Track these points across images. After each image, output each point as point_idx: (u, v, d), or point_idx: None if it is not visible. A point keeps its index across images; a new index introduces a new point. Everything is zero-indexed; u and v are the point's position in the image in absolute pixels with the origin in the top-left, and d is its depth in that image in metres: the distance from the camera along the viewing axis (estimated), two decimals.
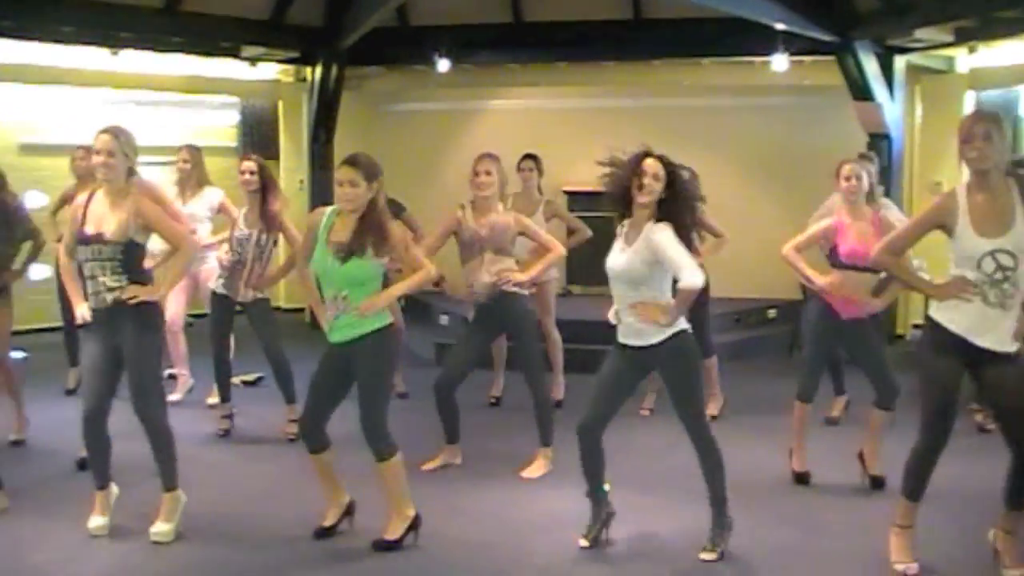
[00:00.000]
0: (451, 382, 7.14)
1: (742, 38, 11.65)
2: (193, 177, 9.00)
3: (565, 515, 6.09)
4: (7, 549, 5.75)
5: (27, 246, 7.90)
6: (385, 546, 5.73)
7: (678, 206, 5.42)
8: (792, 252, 6.79)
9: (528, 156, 9.00)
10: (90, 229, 5.71)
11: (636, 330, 5.44)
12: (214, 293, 8.14)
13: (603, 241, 5.79)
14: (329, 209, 5.76)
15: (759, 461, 7.35)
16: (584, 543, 5.74)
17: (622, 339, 5.56)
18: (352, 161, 5.59)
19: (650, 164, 5.35)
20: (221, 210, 9.07)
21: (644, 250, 5.34)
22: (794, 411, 6.93)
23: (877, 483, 6.77)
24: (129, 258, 5.71)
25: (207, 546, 5.85)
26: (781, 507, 6.51)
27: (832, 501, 6.62)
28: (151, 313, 5.82)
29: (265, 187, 7.92)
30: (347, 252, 5.53)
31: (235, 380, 9.07)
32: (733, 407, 8.74)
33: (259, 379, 9.77)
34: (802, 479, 6.92)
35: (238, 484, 6.98)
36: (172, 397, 8.77)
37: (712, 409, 8.50)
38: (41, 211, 10.84)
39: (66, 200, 9.21)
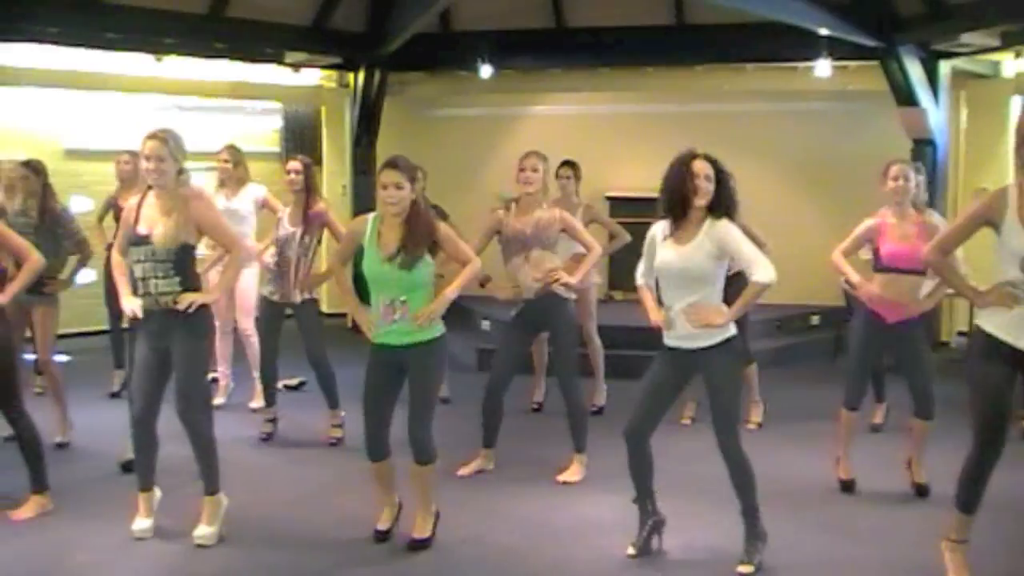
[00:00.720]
0: (502, 384, 7.15)
1: (785, 43, 11.61)
2: (235, 176, 9.04)
3: (603, 522, 6.07)
4: (50, 550, 5.80)
5: (74, 257, 7.98)
6: (420, 545, 5.78)
7: (727, 204, 5.42)
8: (839, 256, 6.76)
9: (566, 163, 8.98)
10: (143, 230, 5.76)
11: (688, 332, 5.40)
12: (264, 298, 8.19)
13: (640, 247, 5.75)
14: (371, 216, 5.77)
15: (800, 468, 7.32)
16: (631, 551, 5.70)
17: (670, 341, 5.52)
18: (394, 164, 5.58)
19: (700, 166, 5.33)
20: (264, 205, 9.11)
21: (708, 245, 5.32)
22: (840, 419, 6.86)
23: (922, 491, 6.72)
24: (181, 260, 5.75)
25: (249, 549, 5.87)
26: (823, 515, 6.46)
27: (876, 509, 6.56)
28: (201, 318, 5.85)
29: (309, 188, 7.97)
30: (406, 257, 5.54)
31: (278, 384, 9.11)
32: (774, 414, 8.68)
33: (302, 383, 9.79)
34: (848, 487, 6.86)
35: (280, 488, 7.01)
36: (214, 401, 8.81)
37: (755, 416, 8.48)
38: (87, 215, 10.94)
39: (111, 205, 9.29)
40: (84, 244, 7.98)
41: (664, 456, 5.81)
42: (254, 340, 8.97)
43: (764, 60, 12.57)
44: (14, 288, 6.07)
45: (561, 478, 7.09)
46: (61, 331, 7.79)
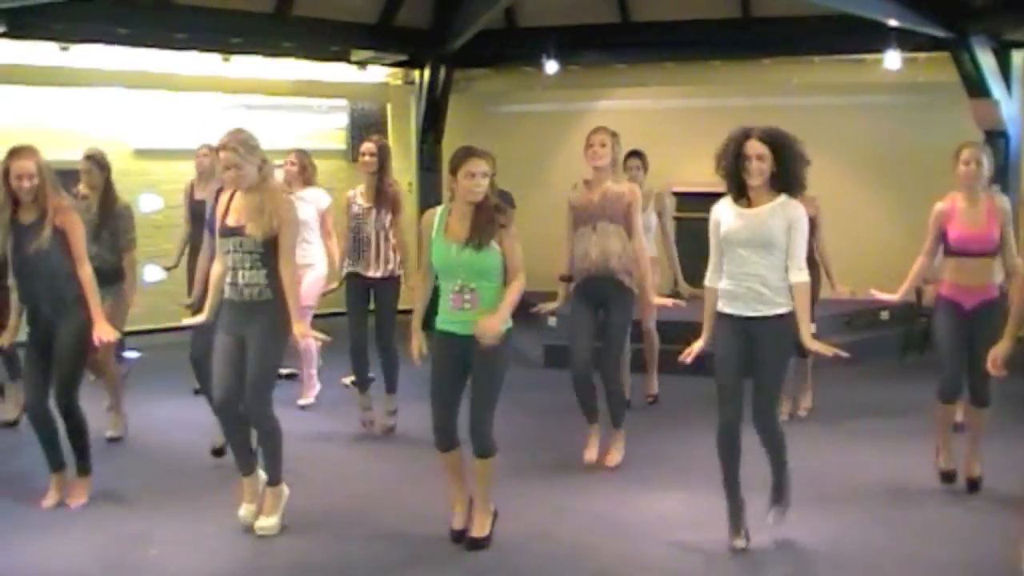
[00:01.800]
0: (585, 363, 7.13)
1: (853, 35, 11.47)
2: (300, 179, 9.10)
3: (672, 517, 6.04)
4: (122, 543, 5.89)
5: (131, 256, 8.15)
6: (478, 544, 5.78)
7: (791, 179, 5.44)
8: (917, 264, 6.72)
9: (633, 153, 8.93)
10: (231, 222, 5.88)
11: (751, 296, 5.42)
12: (347, 275, 8.22)
13: (707, 243, 5.72)
14: (438, 209, 5.80)
15: (860, 465, 7.24)
16: (741, 544, 5.66)
17: (727, 308, 5.53)
18: (481, 153, 5.62)
19: (751, 147, 5.35)
20: (322, 218, 9.16)
21: (781, 216, 5.37)
22: (935, 412, 6.73)
23: (973, 486, 6.61)
24: (269, 253, 5.84)
25: (316, 543, 5.91)
26: (884, 512, 6.37)
27: (935, 504, 6.48)
28: (284, 314, 5.92)
29: (383, 167, 8.04)
30: (475, 240, 5.57)
31: (345, 381, 9.17)
32: (838, 410, 8.59)
33: (370, 380, 9.82)
34: (948, 477, 6.71)
35: (345, 482, 7.05)
36: (303, 402, 8.95)
37: (806, 402, 8.42)
38: (155, 214, 11.07)
39: (187, 197, 9.39)
40: (130, 244, 8.11)
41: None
42: (307, 340, 9.03)
43: (832, 52, 12.43)
44: (96, 306, 6.23)
45: (607, 462, 7.14)
46: (131, 328, 7.88)
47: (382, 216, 8.03)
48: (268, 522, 5.97)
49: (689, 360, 5.62)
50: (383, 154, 8.07)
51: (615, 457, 7.22)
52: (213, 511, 6.32)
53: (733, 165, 5.38)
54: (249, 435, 6.12)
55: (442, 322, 5.75)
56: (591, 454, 7.30)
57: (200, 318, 6.21)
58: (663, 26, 12.78)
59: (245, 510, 6.08)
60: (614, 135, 7.21)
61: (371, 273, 8.07)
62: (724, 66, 13.20)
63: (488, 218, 5.59)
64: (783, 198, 5.41)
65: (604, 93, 14.03)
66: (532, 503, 6.02)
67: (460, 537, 5.88)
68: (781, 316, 5.42)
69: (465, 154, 5.62)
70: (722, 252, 5.58)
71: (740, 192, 5.46)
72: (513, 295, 5.64)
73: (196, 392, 9.10)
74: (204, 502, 6.30)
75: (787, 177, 5.41)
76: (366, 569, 5.61)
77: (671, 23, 12.72)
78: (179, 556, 5.71)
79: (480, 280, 5.60)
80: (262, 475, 6.16)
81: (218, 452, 7.29)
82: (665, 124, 13.14)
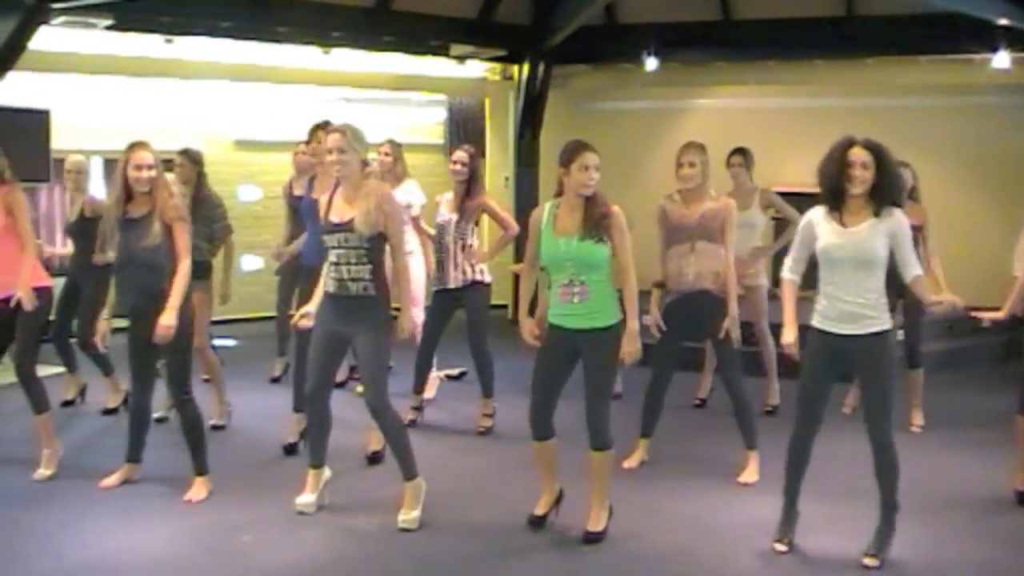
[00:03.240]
0: (661, 381, 7.09)
1: (961, 34, 11.26)
2: (394, 171, 9.12)
3: (767, 523, 5.95)
4: (216, 530, 5.96)
5: (228, 243, 8.34)
6: (593, 538, 5.76)
7: (891, 191, 5.35)
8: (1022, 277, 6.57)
9: (736, 151, 8.81)
10: (335, 217, 5.94)
11: (849, 314, 5.33)
12: (434, 290, 8.25)
13: None
14: (548, 204, 5.81)
15: (963, 476, 7.10)
16: (782, 547, 5.64)
17: (824, 325, 5.45)
18: (593, 148, 5.65)
19: (856, 153, 5.26)
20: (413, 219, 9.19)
21: (882, 230, 5.28)
22: (1016, 426, 6.55)
23: None
24: (374, 249, 5.90)
25: (409, 536, 5.92)
26: (989, 523, 6.23)
27: None
28: (385, 309, 6.00)
29: (472, 177, 8.02)
30: (587, 234, 5.58)
31: (440, 374, 9.19)
32: (940, 419, 8.41)
33: (462, 374, 9.85)
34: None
35: (438, 476, 7.03)
36: (426, 396, 8.95)
37: (918, 419, 8.24)
38: (254, 204, 11.22)
39: (286, 193, 9.49)
40: (225, 231, 8.27)
41: (823, 456, 5.70)
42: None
43: (938, 52, 12.19)
44: (177, 296, 6.24)
45: (741, 479, 6.96)
46: (226, 317, 7.97)
47: (461, 226, 8.02)
48: (410, 515, 6.01)
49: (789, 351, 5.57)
50: (473, 164, 8.05)
51: (750, 476, 7.00)
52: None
53: (836, 173, 5.28)
54: (328, 430, 6.20)
55: (553, 316, 5.76)
56: (631, 463, 7.20)
57: (307, 310, 6.22)
58: (765, 24, 12.68)
59: (304, 499, 6.18)
60: (703, 150, 7.00)
61: (451, 284, 8.08)
62: (826, 65, 13.04)
63: (600, 212, 5.60)
64: (881, 211, 5.31)
65: (703, 91, 13.92)
66: (623, 502, 5.98)
67: (539, 522, 5.94)
68: (879, 334, 5.34)
69: (578, 147, 5.63)
70: (809, 254, 5.52)
71: (836, 203, 5.36)
72: (634, 298, 5.68)
73: (273, 381, 9.21)
74: (296, 491, 6.33)
75: (886, 190, 5.32)
76: (456, 561, 5.61)
77: (773, 21, 12.62)
78: (271, 543, 5.78)
79: (589, 273, 5.61)
80: (327, 472, 6.28)
81: (290, 449, 7.38)
82: (764, 124, 12.96)
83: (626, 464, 7.13)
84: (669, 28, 12.85)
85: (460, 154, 8.11)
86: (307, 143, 7.60)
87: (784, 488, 5.71)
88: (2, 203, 6.73)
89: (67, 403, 8.56)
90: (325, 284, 6.03)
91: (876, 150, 5.29)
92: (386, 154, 9.09)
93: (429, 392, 9.05)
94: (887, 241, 5.28)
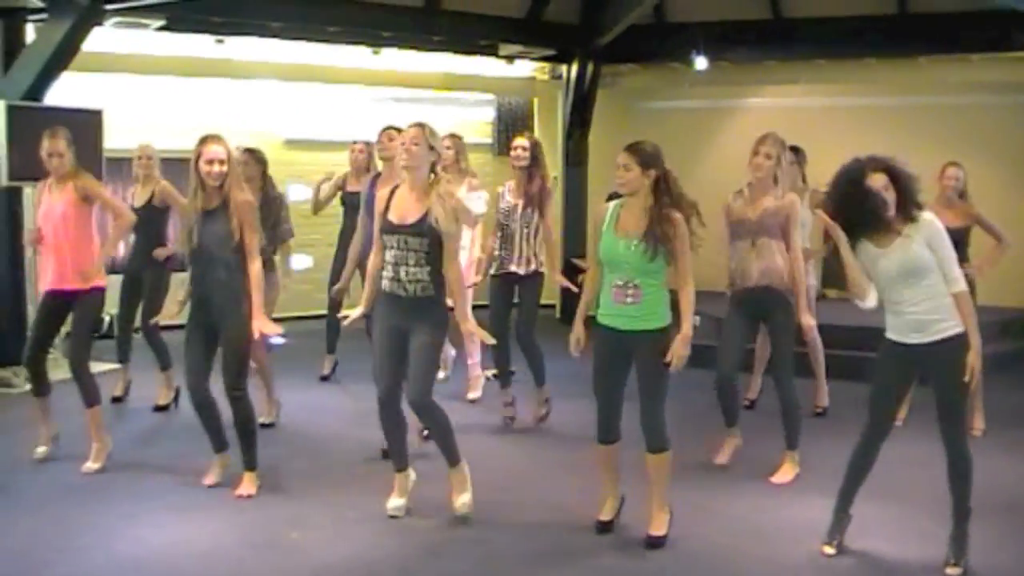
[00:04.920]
0: (730, 372, 7.02)
1: (1015, 31, 11.10)
2: (457, 165, 9.10)
3: (817, 524, 5.91)
4: (266, 526, 6.00)
5: (286, 246, 8.41)
6: (656, 542, 5.74)
7: (912, 198, 5.28)
8: None
9: (789, 148, 8.74)
10: (395, 218, 5.94)
11: (916, 323, 5.28)
12: (492, 277, 8.26)
13: None
14: (613, 203, 5.81)
15: (1020, 476, 7.01)
16: (831, 550, 5.59)
17: (894, 336, 5.40)
18: (629, 147, 5.72)
19: (875, 180, 5.21)
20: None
21: (918, 239, 5.21)
22: None
23: None
24: (434, 250, 5.89)
25: (456, 531, 5.95)
26: None
27: None
28: (443, 310, 6.03)
29: (534, 163, 8.03)
30: (646, 238, 5.56)
31: (487, 373, 9.19)
32: (997, 421, 8.30)
33: (511, 373, 9.84)
34: None
35: (486, 472, 7.01)
36: (471, 395, 9.06)
37: (979, 423, 8.14)
38: (303, 204, 11.23)
39: (339, 188, 9.55)
40: (288, 233, 8.41)
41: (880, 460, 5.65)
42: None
43: (993, 49, 12.03)
44: (259, 299, 6.37)
45: (773, 479, 6.94)
46: (276, 315, 8.02)
47: (528, 213, 8.03)
48: (463, 499, 6.09)
49: None
50: (536, 151, 8.05)
51: (784, 476, 6.99)
52: (354, 498, 6.42)
53: (859, 206, 5.22)
54: (405, 432, 6.20)
55: (603, 316, 5.74)
56: (723, 457, 7.22)
57: (358, 311, 6.26)
58: (815, 22, 12.61)
59: (394, 503, 6.16)
60: (782, 144, 7.00)
61: (515, 268, 8.08)
62: (878, 64, 12.94)
63: (664, 218, 5.59)
64: (911, 222, 5.24)
65: (753, 90, 13.84)
66: (674, 502, 5.95)
67: (605, 528, 5.90)
68: (949, 339, 5.25)
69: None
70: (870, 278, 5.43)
71: (868, 231, 5.30)
72: (690, 305, 5.65)
73: (322, 379, 9.24)
74: (345, 488, 6.37)
75: (909, 199, 5.25)
76: (511, 560, 5.61)
77: (824, 19, 12.54)
78: (320, 540, 5.79)
79: (645, 277, 5.59)
80: (412, 474, 6.27)
81: (387, 454, 7.38)
82: (816, 122, 12.84)
83: (719, 460, 7.17)
84: (718, 27, 12.81)
85: (520, 140, 8.15)
86: (377, 141, 7.65)
87: (840, 490, 5.65)
88: (75, 192, 6.83)
89: (116, 399, 8.63)
90: (380, 282, 6.02)
91: (888, 168, 5.24)
92: (447, 148, 9.08)
93: (475, 392, 9.07)
94: (925, 245, 5.21)
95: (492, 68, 13.95)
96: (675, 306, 5.67)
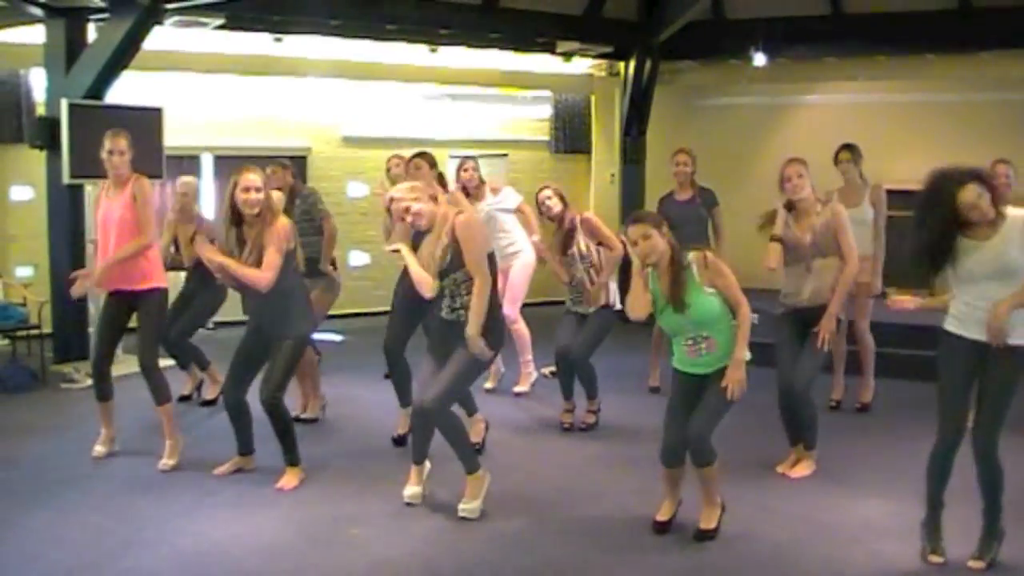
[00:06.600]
0: (789, 385, 6.92)
1: None
2: (480, 187, 9.07)
3: (876, 525, 5.87)
4: (327, 521, 6.04)
5: (330, 224, 8.58)
6: (704, 535, 5.77)
7: (1001, 199, 5.19)
8: None
9: (845, 147, 8.66)
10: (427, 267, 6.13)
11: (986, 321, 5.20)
12: (566, 312, 8.21)
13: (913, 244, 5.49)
14: (650, 272, 5.76)
15: None
16: (938, 559, 5.46)
17: (960, 330, 5.32)
18: (636, 218, 5.70)
19: (968, 197, 5.07)
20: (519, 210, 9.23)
21: (1014, 239, 5.12)
22: None
23: None
24: (470, 279, 6.00)
25: (512, 527, 5.97)
26: None
27: None
28: (497, 333, 6.13)
29: (564, 208, 8.08)
30: (675, 303, 5.60)
31: (545, 371, 9.20)
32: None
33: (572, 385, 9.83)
34: None
35: (541, 470, 7.07)
36: (518, 389, 9.13)
37: None
38: (361, 201, 11.31)
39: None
40: (324, 213, 8.57)
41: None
42: (518, 327, 9.08)
43: None
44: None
45: (792, 474, 6.93)
46: (334, 312, 8.07)
47: (584, 251, 7.97)
48: (469, 505, 6.11)
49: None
50: (562, 199, 8.14)
51: (801, 471, 6.98)
52: None
53: (953, 220, 5.14)
54: (431, 436, 6.25)
55: (680, 363, 5.82)
56: (796, 473, 7.04)
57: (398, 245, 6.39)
58: (875, 18, 12.52)
59: (410, 489, 6.32)
60: (804, 163, 6.95)
61: (582, 311, 8.06)
62: (939, 60, 12.81)
63: (680, 281, 5.61)
64: (1011, 213, 5.16)
65: (812, 87, 13.74)
66: (735, 502, 5.93)
67: (663, 528, 5.90)
68: (1015, 348, 5.17)
69: (628, 222, 5.75)
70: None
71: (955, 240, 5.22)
72: (744, 333, 5.63)
73: (386, 377, 9.27)
74: (402, 485, 6.39)
75: (999, 201, 5.16)
76: (565, 556, 5.61)
77: (884, 15, 12.45)
78: (380, 536, 5.83)
79: (711, 327, 5.64)
80: (427, 466, 6.41)
81: (399, 441, 7.55)
82: (876, 119, 12.76)
83: (793, 474, 6.99)
84: (777, 23, 12.71)
85: (544, 192, 8.13)
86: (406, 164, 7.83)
87: (927, 498, 5.53)
88: (131, 196, 6.91)
89: (183, 398, 8.71)
90: (443, 311, 6.16)
91: (980, 179, 5.13)
92: (466, 170, 9.06)
93: (523, 386, 9.10)
94: (1020, 243, 5.12)
95: (549, 65, 13.95)
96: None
